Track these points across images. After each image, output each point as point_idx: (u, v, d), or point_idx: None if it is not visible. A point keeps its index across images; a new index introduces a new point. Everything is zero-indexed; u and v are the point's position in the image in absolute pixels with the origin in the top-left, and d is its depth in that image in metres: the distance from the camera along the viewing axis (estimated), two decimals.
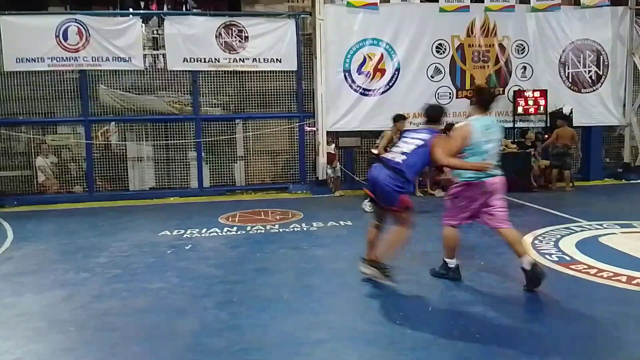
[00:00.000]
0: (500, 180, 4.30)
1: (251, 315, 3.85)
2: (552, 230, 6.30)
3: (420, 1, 10.61)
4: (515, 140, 10.41)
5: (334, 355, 3.21)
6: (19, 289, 4.67)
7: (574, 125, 10.75)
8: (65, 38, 9.61)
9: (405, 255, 5.40)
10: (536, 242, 5.77)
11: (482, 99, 4.44)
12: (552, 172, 10.00)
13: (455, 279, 4.52)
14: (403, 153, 4.30)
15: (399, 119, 7.75)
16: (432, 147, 4.19)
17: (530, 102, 10.62)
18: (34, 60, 9.54)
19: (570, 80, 11.07)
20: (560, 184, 10.04)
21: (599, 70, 11.14)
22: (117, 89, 10.07)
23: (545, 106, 10.63)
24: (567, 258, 5.11)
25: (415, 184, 9.68)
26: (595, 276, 4.53)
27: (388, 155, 4.49)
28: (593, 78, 11.15)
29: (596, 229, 6.37)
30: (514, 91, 10.71)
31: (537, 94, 10.63)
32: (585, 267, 4.80)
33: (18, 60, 9.52)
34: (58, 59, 9.63)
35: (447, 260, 4.57)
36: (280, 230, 6.93)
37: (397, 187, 4.18)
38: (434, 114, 4.58)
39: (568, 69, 11.03)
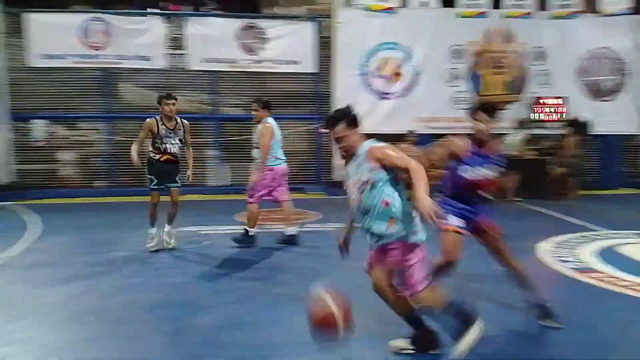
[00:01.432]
0: (285, 168, 6.12)
1: (268, 313, 3.91)
2: (569, 238, 6.29)
3: (439, 6, 10.61)
4: (532, 147, 10.37)
5: (350, 354, 3.26)
6: (45, 280, 4.80)
7: (590, 133, 10.71)
8: (88, 36, 9.79)
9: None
10: (554, 249, 5.77)
11: (267, 105, 5.99)
12: (572, 181, 9.93)
13: (250, 245, 5.88)
14: None
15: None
16: None
17: (547, 110, 10.57)
18: (58, 57, 9.75)
19: (588, 88, 11.00)
20: (583, 192, 9.98)
21: (618, 78, 11.05)
22: (138, 86, 10.23)
23: (563, 114, 10.56)
24: (586, 266, 5.11)
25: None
26: (614, 285, 4.53)
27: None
28: (612, 87, 11.07)
29: (614, 237, 6.34)
30: (532, 98, 10.68)
31: (554, 101, 10.58)
32: (604, 275, 4.80)
33: (43, 57, 9.72)
34: (81, 57, 9.82)
35: (249, 229, 5.89)
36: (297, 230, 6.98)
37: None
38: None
39: (586, 77, 10.97)
